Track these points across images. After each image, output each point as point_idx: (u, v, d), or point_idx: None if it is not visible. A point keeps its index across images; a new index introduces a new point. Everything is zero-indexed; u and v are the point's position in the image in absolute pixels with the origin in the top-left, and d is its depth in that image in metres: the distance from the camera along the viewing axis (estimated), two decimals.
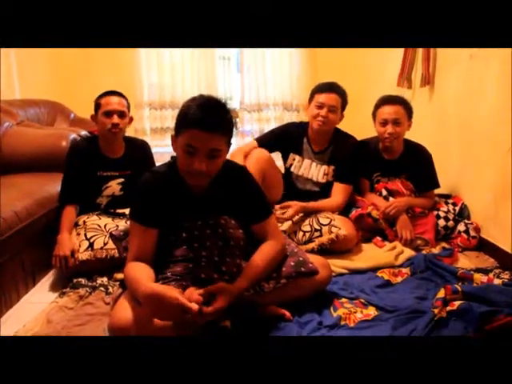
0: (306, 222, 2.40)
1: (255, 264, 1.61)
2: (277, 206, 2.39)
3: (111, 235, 1.88)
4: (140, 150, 2.49)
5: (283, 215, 2.32)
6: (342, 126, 2.62)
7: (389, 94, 2.71)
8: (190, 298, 1.36)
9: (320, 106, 2.49)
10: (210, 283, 1.53)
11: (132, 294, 1.47)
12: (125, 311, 1.45)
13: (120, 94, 2.35)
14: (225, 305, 1.43)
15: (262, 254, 1.64)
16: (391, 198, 2.62)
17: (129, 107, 2.38)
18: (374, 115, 2.66)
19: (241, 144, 4.49)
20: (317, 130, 2.54)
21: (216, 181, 1.59)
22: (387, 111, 2.56)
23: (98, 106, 2.31)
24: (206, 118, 1.44)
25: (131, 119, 2.42)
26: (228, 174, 1.64)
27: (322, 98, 2.49)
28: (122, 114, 2.31)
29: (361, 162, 2.64)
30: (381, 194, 2.66)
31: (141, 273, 1.47)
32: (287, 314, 1.70)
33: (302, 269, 1.70)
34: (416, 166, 2.65)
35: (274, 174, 2.58)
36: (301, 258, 1.74)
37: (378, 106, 2.63)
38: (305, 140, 2.65)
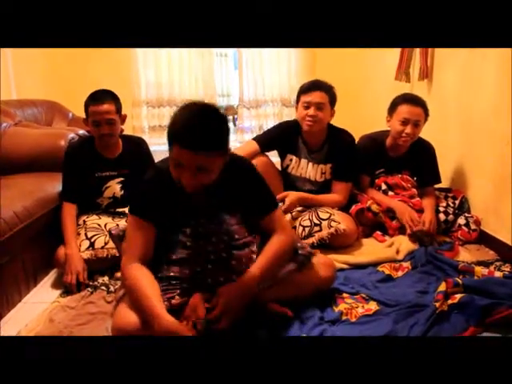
0: (306, 216, 2.40)
1: (266, 254, 1.60)
2: None
3: (110, 234, 1.86)
4: (137, 147, 2.43)
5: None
6: (342, 120, 2.60)
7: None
8: (197, 309, 1.42)
9: (307, 106, 2.45)
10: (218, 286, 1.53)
11: (135, 305, 1.46)
12: (131, 314, 1.45)
13: (108, 98, 2.23)
14: (225, 305, 1.44)
15: (273, 245, 1.63)
16: (390, 192, 2.62)
17: (119, 108, 2.28)
18: (391, 111, 2.63)
19: (239, 139, 4.52)
20: (308, 131, 2.51)
21: (220, 176, 1.53)
22: (408, 110, 2.52)
23: (86, 112, 2.23)
24: (192, 137, 1.35)
25: (124, 117, 2.35)
26: (232, 168, 1.57)
27: (307, 97, 2.45)
28: (110, 122, 2.22)
29: (363, 159, 2.62)
30: (380, 189, 2.66)
31: (149, 289, 1.43)
32: (289, 312, 1.68)
33: (300, 251, 1.72)
34: (420, 162, 2.65)
35: (273, 177, 2.54)
36: (299, 244, 1.77)
37: (398, 103, 2.59)
38: (300, 140, 2.61)
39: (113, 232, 1.83)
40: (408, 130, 2.51)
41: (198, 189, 1.47)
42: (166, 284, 1.54)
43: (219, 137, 1.42)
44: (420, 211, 2.52)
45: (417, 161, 2.65)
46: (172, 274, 1.55)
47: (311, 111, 2.43)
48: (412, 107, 2.52)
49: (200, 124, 1.38)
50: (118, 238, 1.79)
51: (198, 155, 1.36)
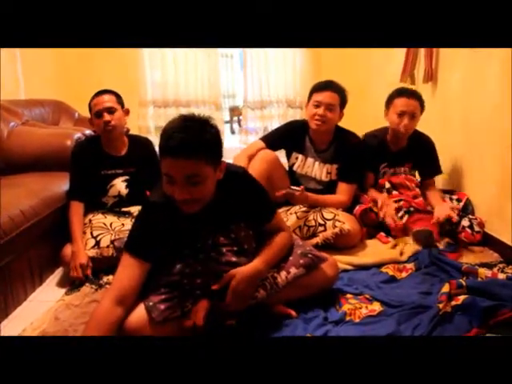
0: (311, 217, 2.41)
1: (273, 246, 1.67)
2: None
3: (114, 246, 1.89)
4: (143, 147, 2.47)
5: (295, 192, 2.29)
6: (346, 121, 2.61)
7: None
8: (198, 314, 1.46)
9: (317, 105, 2.45)
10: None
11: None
12: (136, 313, 1.47)
13: (107, 91, 2.33)
14: (237, 285, 1.51)
15: (278, 239, 1.70)
16: (394, 192, 2.63)
17: (120, 102, 2.35)
18: (387, 105, 2.69)
19: (244, 140, 4.53)
20: (315, 130, 2.51)
21: (220, 190, 1.52)
22: (404, 103, 2.58)
23: (89, 109, 2.32)
24: (177, 144, 1.32)
25: (127, 111, 2.40)
26: (230, 181, 1.55)
27: (319, 96, 2.46)
28: (111, 111, 2.28)
29: (367, 157, 2.63)
30: (384, 188, 2.67)
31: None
32: (293, 313, 1.71)
33: (309, 255, 1.74)
34: (420, 154, 2.71)
35: (280, 175, 2.57)
36: (307, 248, 1.79)
37: (393, 96, 2.65)
38: (307, 138, 2.63)
39: (116, 244, 1.84)
40: (405, 121, 2.56)
41: (193, 206, 1.43)
42: (179, 291, 1.55)
43: (202, 142, 1.36)
44: (423, 211, 2.53)
45: (417, 153, 2.71)
46: (186, 281, 1.56)
47: (320, 111, 2.44)
48: (407, 100, 2.57)
49: (180, 130, 1.35)
50: (121, 250, 1.78)
51: (181, 162, 1.34)
